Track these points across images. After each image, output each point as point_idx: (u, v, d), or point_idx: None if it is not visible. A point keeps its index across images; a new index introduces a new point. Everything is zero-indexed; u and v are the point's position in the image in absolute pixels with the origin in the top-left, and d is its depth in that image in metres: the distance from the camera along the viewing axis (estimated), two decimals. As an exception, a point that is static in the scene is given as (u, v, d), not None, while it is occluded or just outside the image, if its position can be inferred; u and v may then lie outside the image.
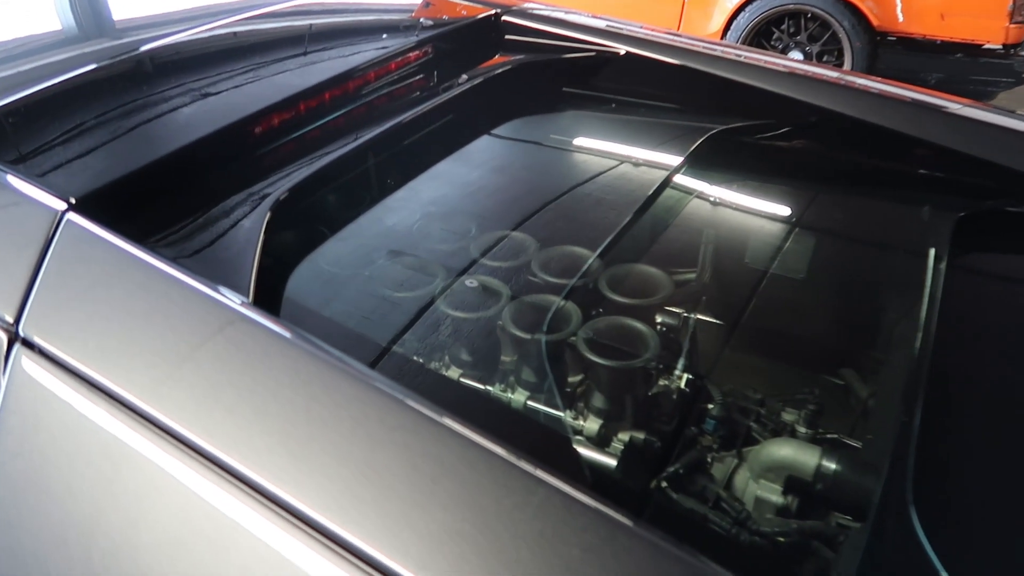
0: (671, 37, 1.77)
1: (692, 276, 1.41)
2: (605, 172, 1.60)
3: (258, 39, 1.64)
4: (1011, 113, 1.51)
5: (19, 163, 1.02)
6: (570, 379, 1.18)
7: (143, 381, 0.77)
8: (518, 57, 1.73)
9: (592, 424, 1.11)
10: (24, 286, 0.86)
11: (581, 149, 1.70)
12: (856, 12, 5.26)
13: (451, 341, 1.18)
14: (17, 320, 0.84)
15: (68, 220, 0.90)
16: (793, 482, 1.03)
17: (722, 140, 1.49)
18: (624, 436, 1.10)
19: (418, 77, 1.59)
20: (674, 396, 1.16)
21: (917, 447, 0.86)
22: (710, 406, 1.15)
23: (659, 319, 1.25)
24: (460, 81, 1.56)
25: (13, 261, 0.88)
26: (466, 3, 1.89)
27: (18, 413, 0.82)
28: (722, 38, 5.62)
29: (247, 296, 0.88)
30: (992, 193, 1.34)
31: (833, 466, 1.00)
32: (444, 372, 1.15)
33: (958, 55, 5.22)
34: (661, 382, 1.17)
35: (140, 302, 0.83)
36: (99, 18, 1.74)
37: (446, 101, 1.46)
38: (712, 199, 1.58)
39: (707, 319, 1.33)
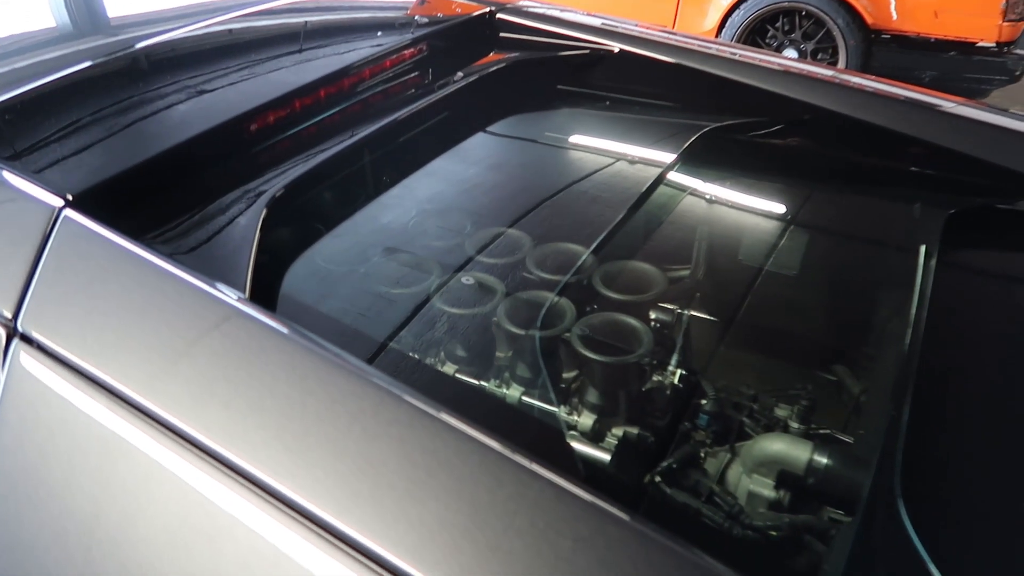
0: (665, 35, 1.78)
1: (686, 273, 1.42)
2: (599, 169, 1.60)
3: (253, 36, 1.64)
4: (1003, 111, 1.52)
5: (16, 159, 1.02)
6: (564, 375, 1.18)
7: (140, 376, 0.78)
8: (512, 55, 1.73)
9: (586, 419, 1.11)
10: (22, 282, 0.86)
11: (575, 146, 1.71)
12: (850, 10, 5.27)
13: (446, 337, 1.19)
14: (15, 315, 0.85)
15: (65, 216, 0.90)
16: (785, 476, 1.04)
17: (715, 137, 1.50)
18: (617, 431, 1.11)
19: (413, 74, 1.60)
20: (667, 392, 1.17)
21: (906, 442, 0.87)
22: (703, 401, 1.16)
23: (653, 315, 1.26)
24: (455, 79, 1.56)
25: (11, 257, 0.89)
26: (461, 1, 1.90)
27: (17, 407, 0.82)
28: (717, 36, 5.63)
29: (243, 292, 0.88)
30: (983, 191, 1.35)
31: (824, 461, 1.01)
32: (439, 368, 1.16)
33: (952, 53, 5.23)
34: (654, 378, 1.18)
35: (137, 298, 0.83)
36: (93, 15, 1.74)
37: (441, 98, 1.47)
38: (705, 196, 1.59)
39: (700, 315, 1.34)
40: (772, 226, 1.55)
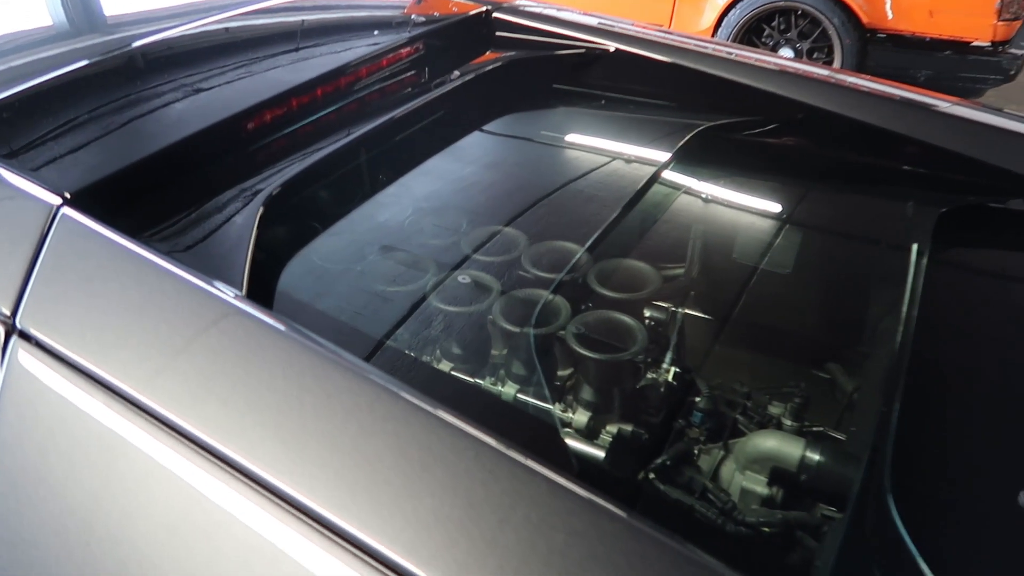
0: (661, 34, 1.79)
1: (680, 271, 1.43)
2: (595, 168, 1.61)
3: (250, 35, 1.65)
4: (998, 111, 1.53)
5: (13, 158, 1.03)
6: (559, 372, 1.19)
7: (139, 372, 0.78)
8: (509, 54, 1.74)
9: (580, 416, 1.12)
10: (20, 279, 0.87)
11: (571, 145, 1.71)
12: (846, 9, 5.28)
13: (442, 335, 1.20)
14: (14, 313, 0.86)
15: (63, 214, 0.91)
16: (778, 473, 1.05)
17: (710, 136, 1.51)
18: (612, 428, 1.12)
19: (410, 73, 1.60)
20: (661, 389, 1.18)
21: (897, 438, 0.88)
22: (697, 399, 1.17)
23: (647, 313, 1.27)
24: (451, 77, 1.57)
25: (9, 255, 0.89)
26: (457, 0, 1.90)
27: (16, 403, 0.83)
28: (713, 35, 5.64)
29: (240, 290, 0.89)
30: (975, 189, 1.36)
31: (816, 457, 1.02)
32: (435, 365, 1.17)
33: (947, 52, 5.24)
34: (649, 375, 1.19)
35: (135, 295, 0.84)
36: (90, 13, 1.75)
37: (437, 97, 1.47)
38: (699, 195, 1.60)
39: (694, 313, 1.35)
40: (766, 224, 1.56)
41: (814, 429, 1.15)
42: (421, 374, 1.07)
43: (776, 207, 1.57)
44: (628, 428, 1.11)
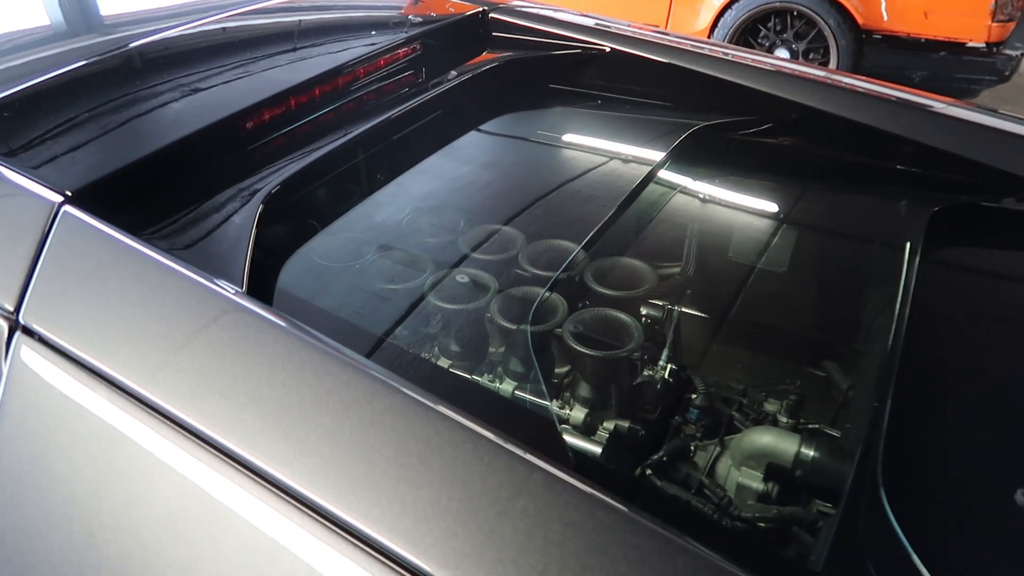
0: (657, 35, 1.80)
1: (676, 269, 1.44)
2: (591, 168, 1.62)
3: (249, 35, 1.65)
4: (991, 111, 1.54)
5: (14, 156, 1.04)
6: (556, 369, 1.20)
7: (141, 368, 0.79)
8: (505, 54, 1.75)
9: (577, 413, 1.13)
10: (23, 276, 0.88)
11: (568, 145, 1.72)
12: (841, 10, 5.30)
13: (441, 332, 1.21)
14: (17, 309, 0.86)
15: (65, 212, 0.92)
16: (773, 469, 1.06)
17: (705, 136, 1.52)
18: (609, 424, 1.13)
19: (407, 73, 1.61)
20: (658, 386, 1.18)
21: (889, 434, 0.89)
22: (693, 396, 1.17)
23: (643, 311, 1.28)
24: (448, 77, 1.58)
25: (12, 252, 0.90)
26: (454, 0, 1.91)
27: (20, 397, 0.84)
28: (709, 36, 5.65)
29: (241, 287, 0.90)
30: (969, 188, 1.37)
31: (811, 453, 1.03)
32: (434, 362, 1.18)
33: (942, 53, 5.26)
34: (645, 372, 1.19)
35: (137, 292, 0.85)
36: (87, 13, 1.75)
37: (435, 97, 1.48)
38: (695, 194, 1.61)
39: (690, 311, 1.36)
40: (761, 223, 1.57)
41: (809, 426, 1.16)
42: (420, 371, 1.08)
43: (771, 206, 1.58)
44: (625, 424, 1.12)
